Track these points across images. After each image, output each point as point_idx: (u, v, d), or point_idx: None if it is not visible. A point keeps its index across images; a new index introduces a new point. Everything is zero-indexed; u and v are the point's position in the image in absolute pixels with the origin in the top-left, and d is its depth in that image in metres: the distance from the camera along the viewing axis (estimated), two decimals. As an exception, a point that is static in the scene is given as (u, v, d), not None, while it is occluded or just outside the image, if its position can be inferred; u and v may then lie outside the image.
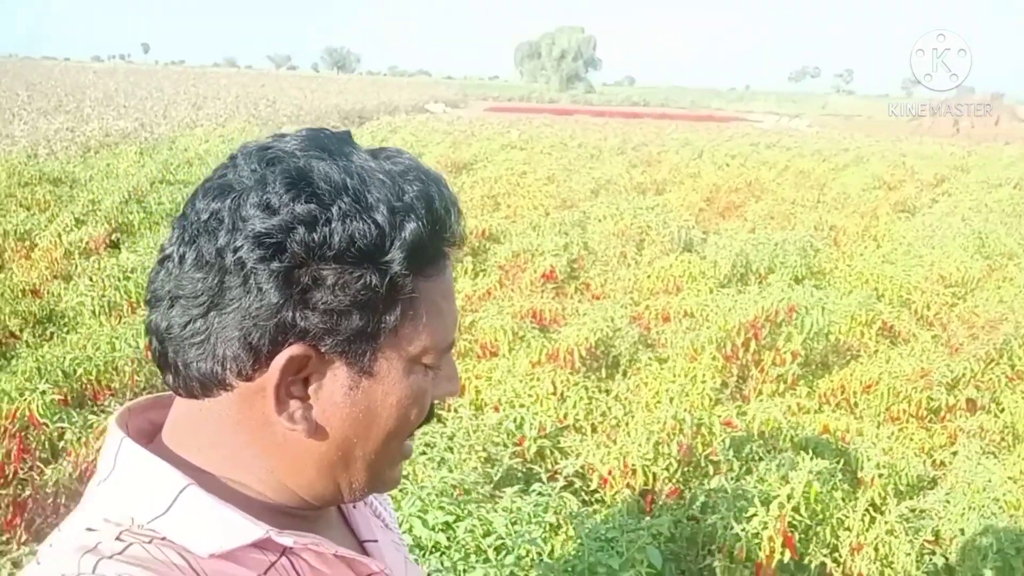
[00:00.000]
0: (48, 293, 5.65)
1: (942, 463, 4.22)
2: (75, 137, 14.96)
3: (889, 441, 4.21)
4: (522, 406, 3.88)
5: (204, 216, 0.62)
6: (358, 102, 31.89)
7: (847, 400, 4.81)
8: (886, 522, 3.03)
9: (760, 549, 2.53)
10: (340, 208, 0.61)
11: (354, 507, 0.83)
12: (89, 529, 0.62)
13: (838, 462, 3.48)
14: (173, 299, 0.63)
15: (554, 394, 4.13)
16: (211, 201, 0.63)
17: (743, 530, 2.60)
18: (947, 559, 3.23)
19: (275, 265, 0.60)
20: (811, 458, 3.53)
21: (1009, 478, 3.58)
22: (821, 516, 2.89)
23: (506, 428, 3.50)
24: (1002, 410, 4.44)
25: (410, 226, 0.63)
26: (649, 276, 6.13)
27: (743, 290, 5.48)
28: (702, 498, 3.03)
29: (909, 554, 3.08)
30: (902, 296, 6.07)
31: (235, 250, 0.60)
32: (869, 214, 9.52)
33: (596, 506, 3.09)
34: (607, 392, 4.20)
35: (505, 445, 3.44)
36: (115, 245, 7.49)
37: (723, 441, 3.54)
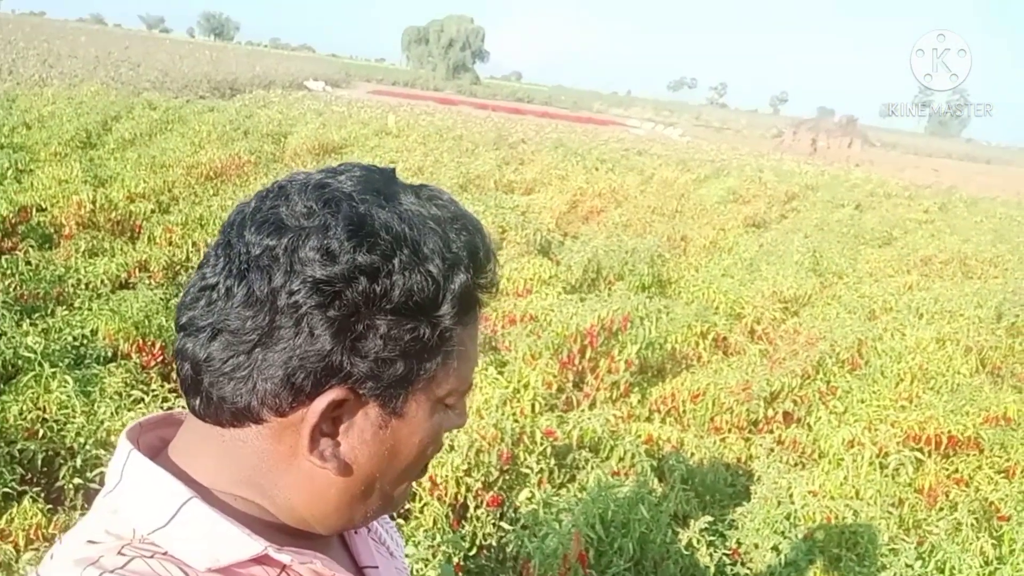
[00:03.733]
0: None
1: (759, 477, 4.43)
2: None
3: (708, 451, 4.38)
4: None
5: (256, 251, 0.62)
6: (232, 73, 30.44)
7: (676, 409, 4.97)
8: (689, 536, 3.14)
9: (555, 566, 2.54)
10: (401, 261, 0.62)
11: (355, 532, 0.83)
12: (91, 542, 0.63)
13: (651, 473, 3.57)
14: (216, 331, 0.63)
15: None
16: (265, 237, 0.62)
17: (536, 548, 2.61)
18: (749, 570, 3.38)
19: (332, 313, 0.61)
20: (628, 468, 3.63)
21: (810, 491, 3.79)
22: (624, 529, 2.95)
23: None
24: (812, 424, 4.70)
25: (459, 278, 0.65)
26: (501, 277, 6.11)
27: (588, 296, 5.56)
28: (512, 512, 3.01)
29: (708, 566, 3.21)
30: (735, 309, 6.35)
31: (291, 293, 0.60)
32: (720, 227, 9.93)
33: (402, 521, 3.03)
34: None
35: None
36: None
37: (544, 451, 3.56)
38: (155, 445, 0.71)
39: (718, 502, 3.89)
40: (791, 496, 3.64)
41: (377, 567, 0.82)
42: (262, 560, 0.66)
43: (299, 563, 0.68)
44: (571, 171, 13.06)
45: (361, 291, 0.61)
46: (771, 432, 4.74)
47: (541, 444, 3.53)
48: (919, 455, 4.07)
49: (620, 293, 5.54)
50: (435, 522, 2.89)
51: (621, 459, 3.71)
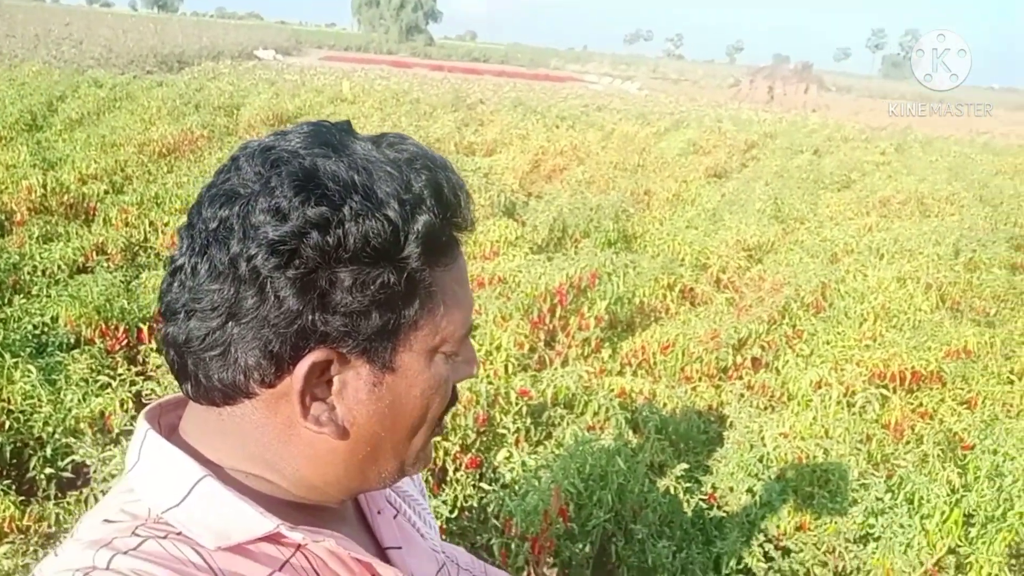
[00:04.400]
0: None
1: (731, 423, 4.51)
2: None
3: (680, 401, 4.45)
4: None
5: (213, 224, 0.62)
6: (178, 46, 29.59)
7: (647, 361, 5.03)
8: (666, 484, 3.19)
9: (537, 523, 2.58)
10: (351, 208, 0.60)
11: (379, 512, 0.82)
12: (107, 521, 0.63)
13: (625, 425, 3.62)
14: (189, 312, 0.63)
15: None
16: (218, 208, 0.62)
17: (518, 507, 2.64)
18: (725, 512, 3.46)
19: (291, 272, 0.60)
20: (603, 422, 3.67)
21: (780, 433, 3.87)
22: (603, 482, 2.99)
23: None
24: (780, 367, 4.79)
25: (422, 218, 0.63)
26: (466, 241, 6.08)
27: (555, 256, 5.57)
28: (492, 473, 3.04)
29: (686, 512, 3.28)
30: (700, 260, 6.41)
31: (249, 259, 0.60)
32: (682, 179, 9.97)
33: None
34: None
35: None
36: None
37: (520, 410, 3.59)
38: (173, 425, 0.71)
39: (692, 450, 3.96)
40: (763, 439, 3.71)
41: (400, 548, 0.81)
42: (274, 538, 0.66)
43: (313, 542, 0.67)
44: (531, 130, 12.98)
45: (315, 245, 0.59)
46: (740, 378, 4.82)
47: (516, 404, 3.55)
48: (884, 392, 4.17)
49: (587, 251, 5.55)
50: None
51: (596, 413, 3.75)
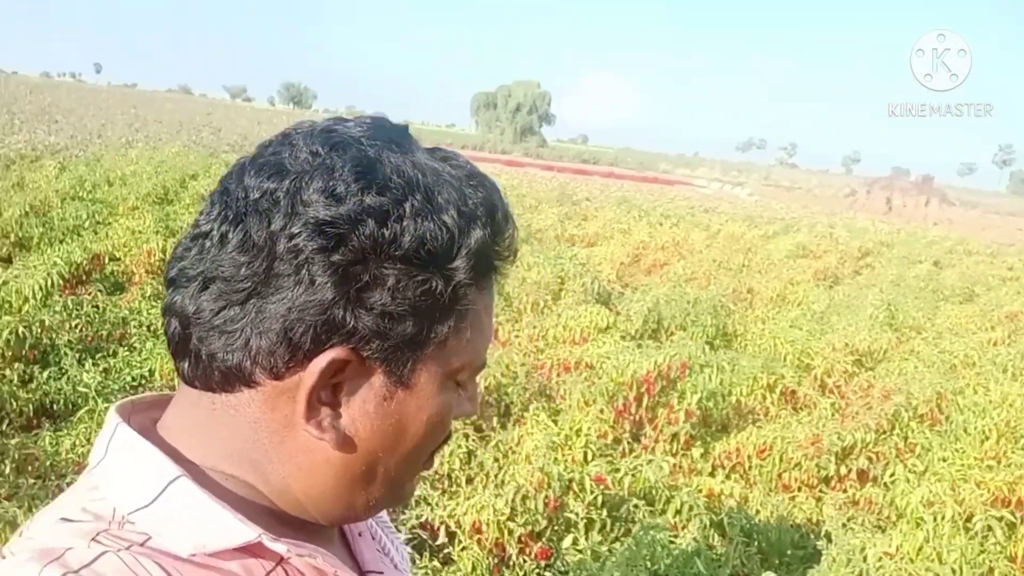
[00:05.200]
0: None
1: (830, 538, 4.12)
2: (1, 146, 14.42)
3: (775, 509, 4.10)
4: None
5: (255, 195, 0.57)
6: (307, 137, 31.55)
7: (741, 464, 4.70)
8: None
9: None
10: (412, 206, 0.57)
11: (359, 535, 0.76)
12: (64, 520, 0.56)
13: (710, 527, 3.33)
14: (207, 281, 0.57)
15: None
16: (264, 180, 0.57)
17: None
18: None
19: (336, 257, 0.55)
20: (685, 522, 3.40)
21: (885, 553, 3.47)
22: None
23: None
24: (889, 482, 4.37)
25: (475, 233, 0.59)
26: (556, 325, 5.99)
27: (647, 345, 5.37)
28: (560, 563, 2.83)
29: (773, 629, 2.94)
30: (804, 361, 6.05)
31: (291, 236, 0.55)
32: (789, 280, 9.61)
33: (439, 564, 2.87)
34: (487, 441, 4.01)
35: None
36: (7, 260, 7.12)
37: (595, 500, 3.37)
38: (146, 425, 0.64)
39: (784, 563, 3.61)
40: (864, 557, 3.33)
41: (382, 573, 0.74)
42: (253, 550, 0.59)
43: (296, 555, 0.60)
44: (634, 226, 12.93)
45: (368, 234, 0.55)
46: (844, 491, 4.42)
47: (591, 492, 3.34)
48: (1011, 518, 3.71)
49: (681, 342, 5.33)
50: (474, 567, 2.72)
51: (678, 512, 3.48)
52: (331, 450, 0.60)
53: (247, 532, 0.57)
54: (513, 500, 3.15)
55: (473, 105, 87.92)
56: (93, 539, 0.54)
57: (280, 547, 0.59)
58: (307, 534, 0.64)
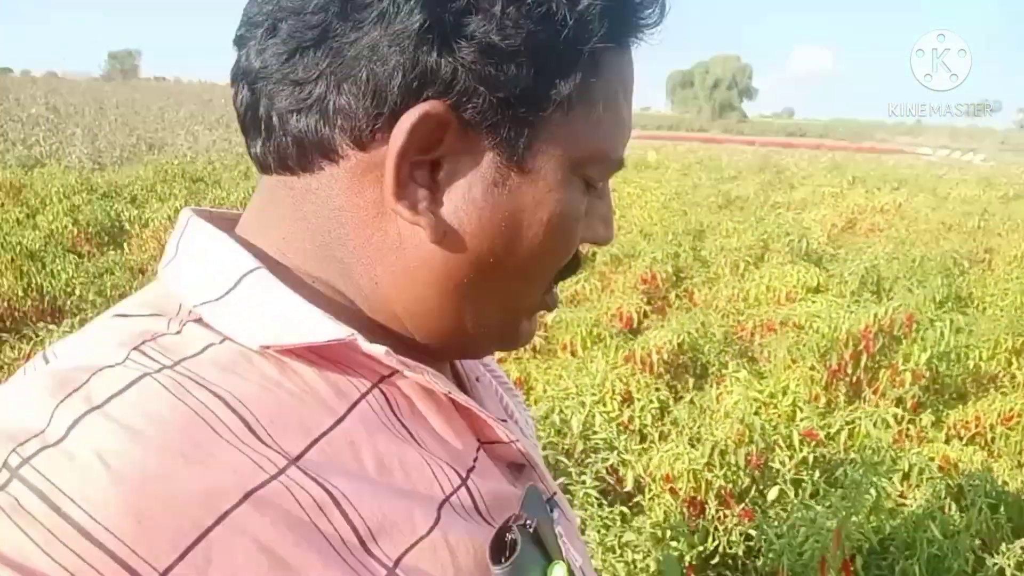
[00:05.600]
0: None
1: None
2: (231, 147, 15.94)
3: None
4: (582, 404, 3.50)
5: None
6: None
7: (981, 435, 4.08)
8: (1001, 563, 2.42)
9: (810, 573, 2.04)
10: None
11: (477, 380, 0.66)
12: (118, 315, 0.48)
13: (945, 495, 2.87)
14: (275, 23, 0.47)
15: (624, 396, 3.73)
16: None
17: (786, 545, 2.11)
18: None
19: None
20: (915, 488, 2.97)
21: None
22: (910, 551, 2.34)
23: (551, 422, 3.13)
24: None
25: None
26: (759, 285, 5.55)
27: (866, 300, 4.83)
28: (761, 514, 2.54)
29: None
30: (1061, 319, 5.17)
31: None
32: (1038, 240, 8.37)
33: (628, 512, 2.66)
34: (680, 399, 3.75)
35: (551, 440, 3.08)
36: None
37: (805, 459, 3.01)
38: (224, 227, 0.53)
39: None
40: None
41: (506, 421, 0.60)
42: (345, 363, 0.48)
43: (399, 365, 0.48)
44: (847, 191, 11.90)
45: None
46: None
47: (801, 449, 2.99)
48: None
49: (904, 297, 4.73)
50: (666, 517, 2.50)
51: (906, 476, 3.04)
52: (430, 247, 0.48)
53: (337, 329, 0.46)
54: (711, 454, 2.88)
55: (668, 85, 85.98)
56: (135, 348, 0.43)
57: (378, 350, 0.46)
58: (415, 354, 0.50)
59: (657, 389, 3.68)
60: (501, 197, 0.48)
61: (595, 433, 3.04)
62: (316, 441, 0.43)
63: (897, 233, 8.36)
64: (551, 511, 0.59)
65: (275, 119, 0.48)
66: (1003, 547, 2.47)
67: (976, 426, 4.13)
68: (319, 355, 0.47)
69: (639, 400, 3.65)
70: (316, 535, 0.41)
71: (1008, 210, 11.18)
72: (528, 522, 0.50)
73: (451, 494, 0.48)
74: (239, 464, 0.40)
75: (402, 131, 0.45)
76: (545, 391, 3.78)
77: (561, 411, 3.15)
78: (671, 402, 3.75)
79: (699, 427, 3.36)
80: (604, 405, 3.59)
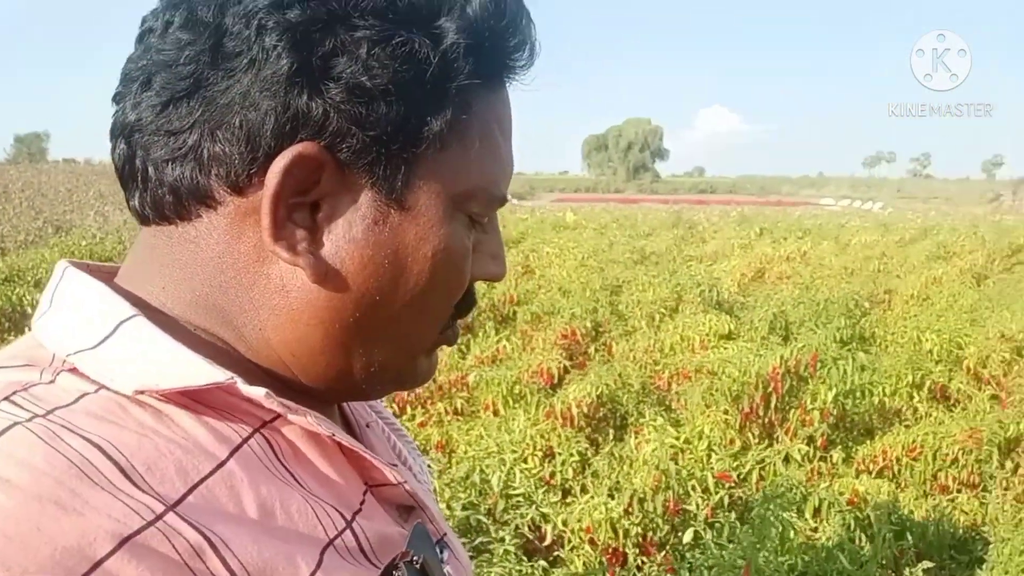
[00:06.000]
0: None
1: (1002, 539, 3.62)
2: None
3: (934, 511, 3.65)
4: (502, 462, 3.50)
5: None
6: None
7: (889, 468, 4.25)
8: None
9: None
10: None
11: (367, 426, 0.64)
12: None
13: (855, 526, 2.97)
14: (149, 76, 0.47)
15: (546, 452, 3.76)
16: None
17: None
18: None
19: (292, 15, 0.45)
20: (822, 521, 3.06)
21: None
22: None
23: (472, 482, 3.13)
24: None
25: (475, 4, 0.49)
26: (674, 334, 5.71)
27: (773, 342, 5.01)
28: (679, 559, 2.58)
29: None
30: (952, 352, 5.48)
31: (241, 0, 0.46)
32: (932, 281, 8.87)
33: (547, 565, 2.66)
34: (600, 450, 3.79)
35: (471, 500, 3.07)
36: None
37: (721, 501, 3.08)
38: (101, 278, 0.52)
39: (947, 567, 3.18)
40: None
41: (396, 465, 0.59)
42: (223, 408, 0.47)
43: (280, 407, 0.47)
44: (755, 242, 12.40)
45: None
46: (1007, 489, 3.89)
47: (716, 492, 3.07)
48: None
49: (809, 336, 4.94)
50: (586, 569, 2.51)
51: (817, 510, 3.14)
52: (313, 288, 0.48)
53: (215, 373, 0.45)
54: (629, 502, 2.93)
55: (584, 149, 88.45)
56: (6, 399, 0.42)
57: (258, 392, 0.46)
58: (302, 398, 0.50)
59: (578, 442, 3.72)
60: (382, 235, 0.49)
61: (515, 490, 3.04)
62: (195, 486, 0.42)
63: (803, 279, 8.73)
64: (441, 552, 0.59)
65: (151, 170, 0.48)
66: (907, 572, 2.56)
67: (883, 459, 4.30)
68: (198, 401, 0.46)
69: (560, 454, 3.68)
70: None
71: (905, 253, 11.82)
72: (415, 559, 0.51)
73: (335, 537, 0.47)
74: (115, 510, 0.38)
75: (276, 173, 0.45)
76: (467, 452, 3.77)
77: (482, 470, 3.15)
78: (591, 454, 3.79)
79: (619, 477, 3.40)
80: (526, 462, 3.61)
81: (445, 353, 5.50)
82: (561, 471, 3.56)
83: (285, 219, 0.47)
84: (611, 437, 4.26)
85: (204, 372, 0.45)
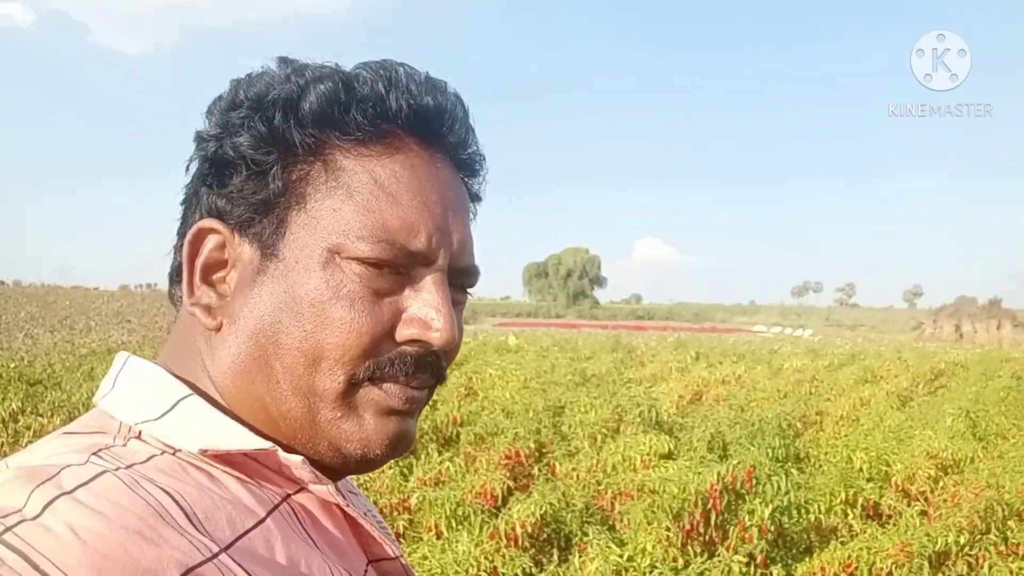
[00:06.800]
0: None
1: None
2: (74, 348, 15.22)
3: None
4: (447, 583, 3.47)
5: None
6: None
7: (828, 584, 4.31)
8: None
9: None
10: (272, 77, 0.59)
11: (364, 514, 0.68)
12: (67, 433, 0.54)
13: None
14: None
15: (490, 573, 3.73)
16: None
17: None
18: None
19: (201, 129, 0.60)
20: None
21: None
22: None
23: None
24: (997, 588, 3.94)
25: (325, 84, 0.57)
26: (616, 454, 5.79)
27: (710, 460, 5.13)
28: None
29: None
30: (881, 470, 5.67)
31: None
32: (860, 402, 9.21)
33: None
34: (544, 570, 3.78)
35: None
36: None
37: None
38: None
39: None
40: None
41: (394, 540, 0.67)
42: (260, 474, 0.56)
43: (312, 482, 0.57)
44: (692, 366, 12.72)
45: (219, 97, 0.61)
46: (947, 602, 4.00)
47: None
48: None
49: (744, 454, 5.07)
50: None
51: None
52: (235, 342, 0.57)
53: (259, 441, 0.55)
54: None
55: (524, 276, 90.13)
56: (94, 454, 0.50)
57: (295, 459, 0.55)
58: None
59: (522, 562, 3.71)
60: (264, 283, 0.57)
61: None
62: (241, 536, 0.50)
63: (738, 401, 8.97)
64: None
65: (171, 268, 0.63)
66: None
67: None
68: (240, 468, 0.55)
69: (504, 575, 3.66)
70: None
71: (834, 377, 12.26)
72: None
73: None
74: (181, 545, 0.46)
75: (185, 244, 0.58)
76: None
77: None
78: (536, 574, 3.78)
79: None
80: (470, 583, 3.57)
81: (387, 476, 5.45)
82: (506, 592, 3.54)
83: (201, 283, 0.58)
84: (555, 557, 4.25)
85: (249, 439, 0.55)
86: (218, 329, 0.58)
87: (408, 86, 0.59)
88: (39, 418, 6.98)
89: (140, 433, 0.54)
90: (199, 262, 0.58)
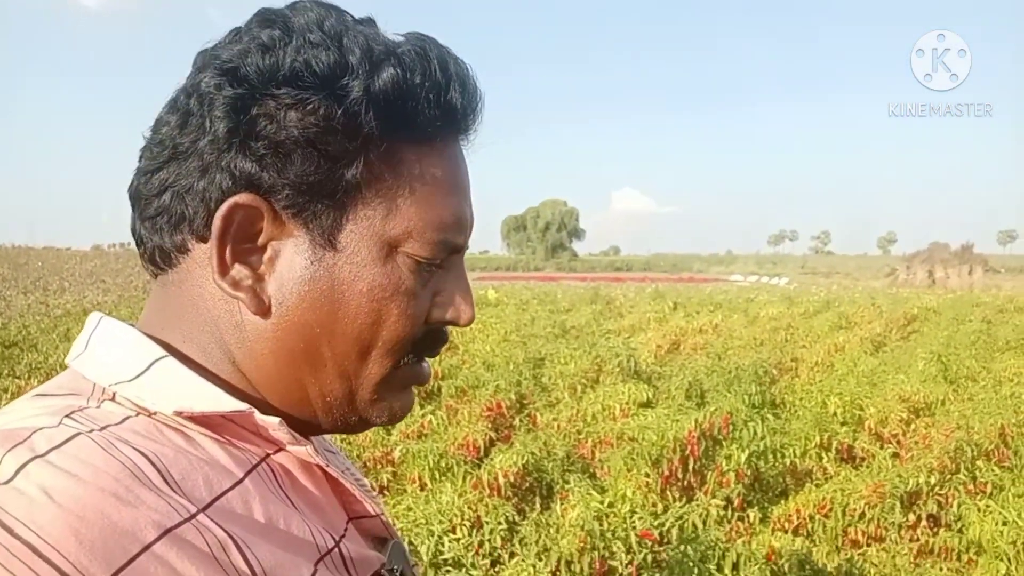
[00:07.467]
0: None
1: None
2: (49, 310, 15.05)
3: (843, 566, 3.83)
4: (430, 532, 3.52)
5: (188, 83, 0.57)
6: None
7: (803, 526, 4.44)
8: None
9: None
10: (306, 38, 0.54)
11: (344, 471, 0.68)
12: (39, 395, 0.53)
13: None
14: (143, 153, 0.58)
15: (474, 521, 3.79)
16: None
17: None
18: None
19: (227, 92, 0.53)
20: None
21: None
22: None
23: (401, 551, 3.13)
24: (964, 526, 4.07)
25: (388, 71, 0.55)
26: (595, 403, 5.86)
27: (688, 408, 5.21)
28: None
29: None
30: (855, 414, 5.80)
31: (199, 84, 0.55)
32: (834, 348, 9.37)
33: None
34: (527, 518, 3.85)
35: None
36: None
37: (645, 558, 3.18)
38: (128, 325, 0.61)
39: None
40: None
41: (375, 496, 0.66)
42: (237, 433, 0.55)
43: (290, 442, 0.56)
44: (670, 316, 12.83)
45: (254, 63, 0.54)
46: (916, 540, 4.13)
47: (640, 550, 3.16)
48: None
49: (721, 401, 5.16)
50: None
51: (735, 566, 3.26)
52: (263, 322, 0.56)
53: (236, 403, 0.54)
54: (557, 565, 2.99)
55: (503, 229, 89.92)
56: (67, 416, 0.49)
57: (272, 420, 0.54)
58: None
59: (505, 511, 3.77)
60: (318, 272, 0.55)
61: (444, 557, 3.06)
62: (218, 497, 0.50)
63: (715, 349, 9.08)
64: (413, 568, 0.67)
65: (147, 229, 0.57)
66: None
67: (797, 518, 4.49)
68: (216, 430, 0.54)
69: (488, 523, 3.72)
70: (220, 570, 0.47)
71: (809, 324, 12.43)
72: (395, 567, 0.60)
73: (326, 553, 0.55)
74: (158, 506, 0.45)
75: (217, 219, 0.54)
76: (395, 524, 3.76)
77: (410, 540, 3.17)
78: (519, 521, 3.85)
79: (546, 541, 3.46)
80: (454, 532, 3.63)
81: (371, 431, 5.50)
82: (490, 539, 3.60)
83: (232, 260, 0.55)
84: (538, 505, 4.33)
85: (227, 402, 0.54)
86: (265, 313, 0.56)
87: (460, 77, 0.59)
88: (16, 380, 6.93)
89: (114, 395, 0.53)
90: (230, 237, 0.55)
